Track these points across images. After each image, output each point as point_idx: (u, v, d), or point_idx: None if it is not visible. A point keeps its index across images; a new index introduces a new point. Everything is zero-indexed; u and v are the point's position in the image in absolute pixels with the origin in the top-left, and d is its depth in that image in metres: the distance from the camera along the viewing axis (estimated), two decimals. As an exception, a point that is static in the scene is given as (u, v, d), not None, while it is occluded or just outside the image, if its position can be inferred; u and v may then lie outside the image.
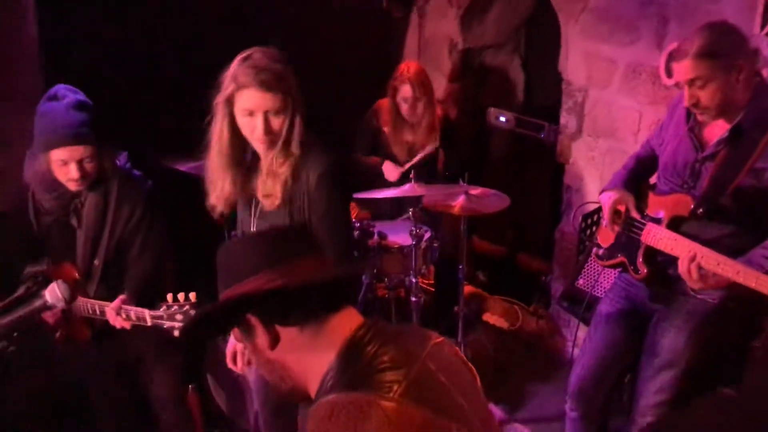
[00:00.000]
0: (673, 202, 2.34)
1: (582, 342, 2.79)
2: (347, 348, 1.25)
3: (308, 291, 1.28)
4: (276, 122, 2.06)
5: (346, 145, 3.85)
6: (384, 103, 3.86)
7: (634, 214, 2.42)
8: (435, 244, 3.60)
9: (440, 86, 4.51)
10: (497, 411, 3.45)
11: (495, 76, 4.75)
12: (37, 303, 1.70)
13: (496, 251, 4.76)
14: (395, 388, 1.17)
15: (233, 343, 2.31)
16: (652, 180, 2.58)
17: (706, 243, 2.17)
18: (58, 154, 2.34)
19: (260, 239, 1.35)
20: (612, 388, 2.67)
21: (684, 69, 2.16)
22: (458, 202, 3.30)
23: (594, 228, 3.32)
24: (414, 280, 3.42)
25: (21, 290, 1.72)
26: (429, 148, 3.76)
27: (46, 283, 1.84)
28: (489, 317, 4.27)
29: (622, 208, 2.45)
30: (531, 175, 4.39)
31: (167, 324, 2.21)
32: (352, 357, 1.24)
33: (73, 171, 2.35)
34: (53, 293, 1.75)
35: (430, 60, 4.57)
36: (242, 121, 2.08)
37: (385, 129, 3.85)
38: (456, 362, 1.35)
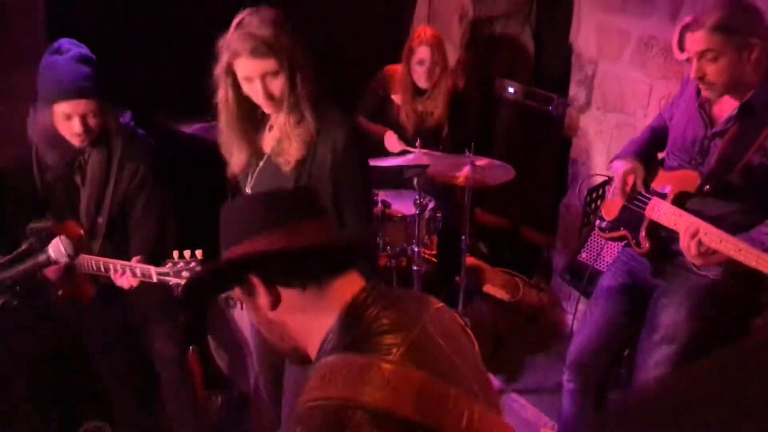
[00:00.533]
0: (680, 178, 2.32)
1: (582, 315, 2.79)
2: (348, 310, 1.25)
3: (311, 254, 1.28)
4: (274, 85, 2.07)
5: (349, 109, 3.81)
6: (394, 69, 3.78)
7: (640, 188, 2.40)
8: (438, 215, 3.59)
9: (449, 55, 4.45)
10: (496, 381, 3.48)
11: (505, 46, 4.69)
12: (41, 258, 1.71)
13: (499, 223, 4.76)
14: (395, 350, 1.17)
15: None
16: (661, 155, 2.56)
17: (710, 220, 2.16)
18: (61, 108, 2.33)
19: (266, 199, 1.35)
20: (611, 361, 2.68)
21: (697, 40, 2.13)
22: (463, 173, 3.28)
23: (599, 202, 3.30)
24: (416, 249, 3.42)
25: (24, 245, 1.73)
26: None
27: (49, 239, 1.85)
28: (490, 288, 4.29)
29: (630, 180, 2.44)
30: (537, 147, 4.36)
31: (173, 281, 2.22)
32: (352, 319, 1.24)
33: (77, 125, 2.34)
34: (56, 249, 1.75)
35: (439, 28, 4.51)
36: (245, 87, 2.11)
37: (394, 97, 3.80)
38: (455, 328, 1.35)
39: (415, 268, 3.44)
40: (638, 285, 2.53)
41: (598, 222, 2.63)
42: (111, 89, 2.43)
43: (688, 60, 2.81)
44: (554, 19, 4.36)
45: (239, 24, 2.06)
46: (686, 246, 2.14)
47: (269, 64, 2.04)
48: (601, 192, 3.33)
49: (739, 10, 2.11)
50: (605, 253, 3.15)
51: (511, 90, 4.34)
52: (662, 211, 2.30)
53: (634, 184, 2.43)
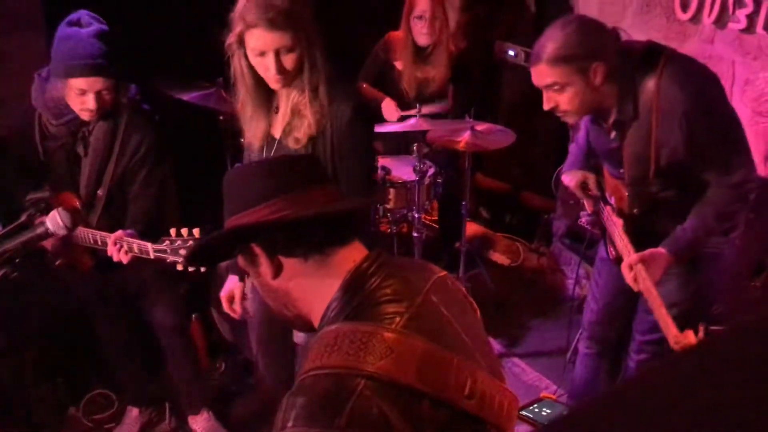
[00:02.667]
0: (616, 189, 2.33)
1: (589, 286, 2.80)
2: (351, 279, 1.25)
3: (313, 224, 1.28)
4: (288, 60, 1.97)
5: (351, 76, 3.77)
6: (396, 35, 3.73)
7: (595, 192, 2.39)
8: (439, 180, 3.58)
9: (450, 19, 4.39)
10: (497, 345, 3.51)
11: (506, 8, 4.62)
12: (39, 230, 1.70)
13: (500, 188, 4.75)
14: (397, 319, 1.18)
15: (230, 287, 2.32)
16: None
17: (649, 234, 2.18)
18: (77, 83, 2.30)
19: (268, 167, 1.33)
20: (626, 325, 2.70)
21: (539, 74, 2.09)
22: (463, 138, 3.26)
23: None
24: (417, 215, 3.42)
25: (23, 217, 1.72)
26: (441, 104, 3.67)
27: (47, 211, 1.84)
28: (491, 254, 4.29)
29: (590, 184, 2.42)
30: (538, 111, 4.32)
31: (170, 258, 2.21)
32: (355, 288, 1.24)
33: (90, 102, 2.32)
34: (54, 221, 1.75)
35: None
36: (255, 61, 2.00)
37: (396, 64, 3.76)
38: (458, 296, 1.35)
39: (415, 234, 3.44)
40: None
41: (585, 217, 2.65)
42: (127, 63, 2.40)
43: (692, 20, 2.76)
44: (555, -20, 4.29)
45: None
46: (624, 273, 2.16)
47: (286, 37, 1.94)
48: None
49: (574, 37, 2.04)
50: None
51: (511, 53, 4.29)
52: (612, 225, 2.30)
53: (584, 187, 2.43)
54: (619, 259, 2.32)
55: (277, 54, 1.96)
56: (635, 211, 2.25)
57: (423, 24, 3.57)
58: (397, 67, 3.76)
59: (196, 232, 2.21)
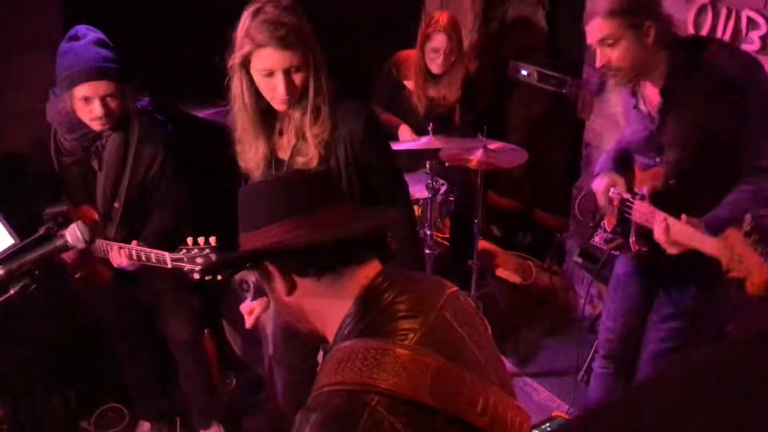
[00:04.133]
0: (651, 177, 2.32)
1: (604, 304, 2.79)
2: (365, 295, 1.26)
3: (327, 246, 1.27)
4: (297, 79, 1.94)
5: (364, 97, 3.80)
6: (407, 55, 3.76)
7: (626, 195, 2.39)
8: (451, 198, 3.59)
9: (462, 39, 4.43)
10: (508, 364, 3.49)
11: (518, 28, 4.65)
12: (58, 243, 1.73)
13: (512, 206, 4.75)
14: (411, 336, 1.18)
15: (249, 303, 2.33)
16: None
17: (685, 209, 2.14)
18: (81, 91, 2.33)
19: (284, 186, 1.32)
20: (639, 341, 2.70)
21: (594, 28, 2.14)
22: (476, 156, 3.28)
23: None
24: (429, 232, 3.42)
25: (41, 230, 1.74)
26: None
27: (66, 224, 1.86)
28: (502, 272, 4.29)
29: (613, 194, 2.42)
30: (551, 130, 4.34)
31: (188, 266, 2.23)
32: (369, 304, 1.24)
33: (97, 108, 2.35)
34: (74, 234, 1.77)
35: (452, 9, 4.48)
36: (261, 81, 1.95)
37: (407, 83, 3.79)
38: (470, 312, 1.35)
39: (427, 251, 3.45)
40: (652, 269, 2.51)
41: (602, 234, 2.64)
42: (129, 69, 2.43)
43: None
44: (568, 1, 4.32)
45: (258, 11, 1.90)
46: (657, 237, 2.15)
47: (296, 56, 1.90)
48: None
49: None
50: (619, 237, 3.14)
51: (524, 72, 4.31)
52: (642, 213, 2.30)
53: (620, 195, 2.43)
54: (639, 252, 2.32)
55: (287, 73, 1.92)
56: (671, 182, 2.24)
57: (438, 56, 3.60)
58: (407, 86, 3.78)
59: (212, 240, 2.23)
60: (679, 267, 2.34)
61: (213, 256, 2.22)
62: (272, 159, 2.10)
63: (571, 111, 3.95)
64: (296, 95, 1.97)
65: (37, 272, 1.66)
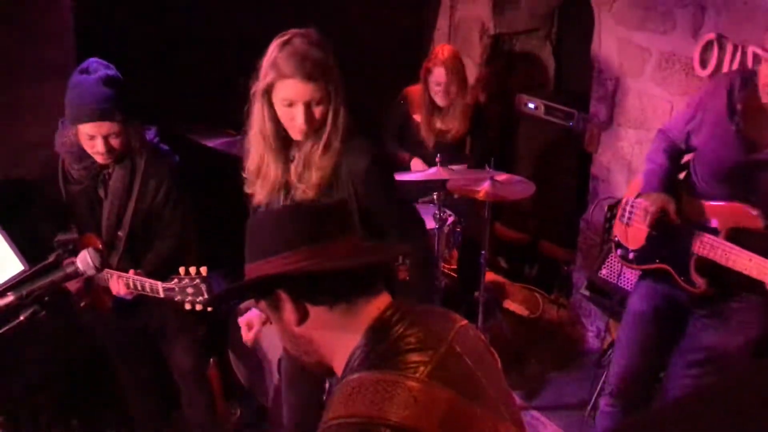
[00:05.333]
0: (729, 211, 2.17)
1: (617, 340, 2.71)
2: (375, 327, 1.25)
3: (343, 274, 1.27)
4: (317, 112, 1.97)
5: (375, 131, 3.84)
6: (414, 89, 3.84)
7: (675, 219, 2.27)
8: (458, 229, 3.59)
9: (469, 71, 4.47)
10: (515, 397, 3.45)
11: (525, 61, 4.70)
12: (69, 270, 1.74)
13: (519, 238, 4.75)
14: (421, 369, 1.17)
15: (249, 316, 2.29)
16: (681, 174, 2.46)
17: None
18: (85, 129, 2.37)
19: (298, 214, 1.33)
20: (651, 383, 2.64)
21: None
22: (483, 188, 3.28)
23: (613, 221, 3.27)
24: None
25: (51, 257, 1.76)
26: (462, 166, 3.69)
27: (75, 251, 1.88)
28: (509, 304, 4.27)
29: (667, 215, 2.30)
30: (558, 162, 4.36)
31: (178, 297, 2.24)
32: (379, 337, 1.24)
33: (99, 145, 2.38)
34: (84, 261, 1.78)
35: (460, 44, 4.54)
36: (281, 110, 1.99)
37: (415, 116, 3.84)
38: (480, 346, 1.34)
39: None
40: (673, 307, 2.42)
41: (620, 251, 2.55)
42: (136, 106, 2.45)
43: (710, 76, 2.75)
44: (575, 36, 4.37)
45: (286, 43, 1.94)
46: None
47: (318, 90, 1.93)
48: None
49: None
50: (627, 270, 3.12)
51: (531, 105, 4.34)
52: (718, 249, 2.15)
53: (663, 215, 2.29)
54: (706, 293, 2.19)
55: (308, 105, 1.95)
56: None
57: (439, 89, 3.68)
58: (415, 119, 3.83)
59: (203, 270, 2.23)
60: (739, 316, 2.25)
61: (203, 287, 2.22)
62: (283, 183, 2.11)
63: (577, 144, 3.97)
64: (314, 127, 2.00)
65: (46, 299, 1.66)
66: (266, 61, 1.97)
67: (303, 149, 2.05)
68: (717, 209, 2.23)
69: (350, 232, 1.35)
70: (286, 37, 1.96)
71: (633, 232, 2.48)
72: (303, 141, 2.04)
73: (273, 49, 1.96)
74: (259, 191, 2.13)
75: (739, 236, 2.15)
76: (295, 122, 1.98)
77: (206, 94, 3.53)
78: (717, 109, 2.22)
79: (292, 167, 2.10)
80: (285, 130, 2.05)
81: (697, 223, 2.25)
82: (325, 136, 2.00)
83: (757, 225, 2.11)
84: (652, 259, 2.42)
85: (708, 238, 2.21)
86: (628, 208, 2.54)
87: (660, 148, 2.45)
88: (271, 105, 2.00)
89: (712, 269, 2.21)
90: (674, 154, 2.43)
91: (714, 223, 2.20)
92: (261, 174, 2.11)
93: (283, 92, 1.95)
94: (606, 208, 3.31)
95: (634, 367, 2.55)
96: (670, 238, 2.32)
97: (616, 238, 2.57)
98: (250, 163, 2.12)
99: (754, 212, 2.13)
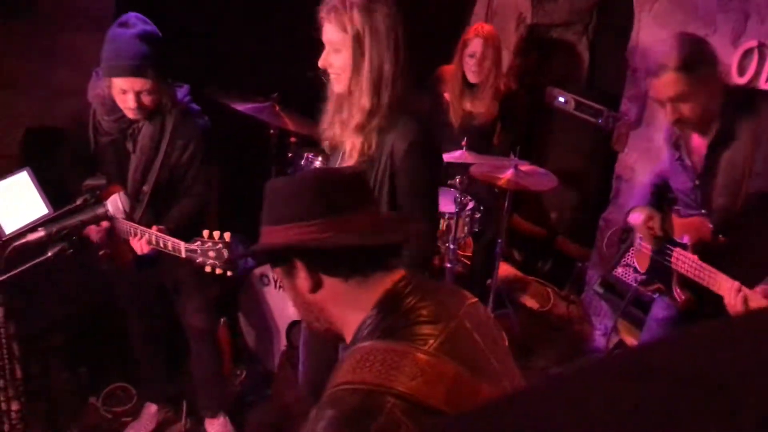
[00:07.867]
0: (694, 226, 2.28)
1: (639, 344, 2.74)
2: (386, 298, 1.26)
3: (357, 250, 1.28)
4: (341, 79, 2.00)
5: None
6: (448, 68, 3.81)
7: (659, 233, 2.37)
8: (477, 215, 3.59)
9: (503, 59, 4.45)
10: (521, 376, 3.47)
11: (559, 55, 4.66)
12: (99, 211, 1.77)
13: (536, 231, 4.74)
14: (431, 341, 1.18)
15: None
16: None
17: (734, 265, 2.11)
18: (118, 83, 2.39)
19: (318, 183, 1.32)
20: None
21: (666, 83, 2.09)
22: (506, 175, 3.28)
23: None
24: (453, 246, 3.42)
25: (79, 200, 1.79)
26: None
27: (100, 199, 1.90)
28: (520, 296, 4.27)
29: (654, 226, 2.40)
30: (583, 159, 4.34)
31: (200, 259, 2.26)
32: (390, 307, 1.25)
33: (131, 101, 2.40)
34: (115, 204, 1.81)
35: (496, 29, 4.50)
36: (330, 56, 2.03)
37: (445, 95, 3.82)
38: (489, 324, 1.35)
39: (448, 265, 3.44)
40: (689, 318, 2.43)
41: (635, 276, 2.61)
42: (170, 65, 2.47)
43: (748, 84, 2.73)
44: (612, 33, 4.32)
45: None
46: (732, 307, 2.07)
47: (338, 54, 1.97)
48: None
49: (695, 45, 2.10)
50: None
51: (561, 99, 4.31)
52: (687, 264, 2.24)
53: (649, 228, 2.41)
54: (687, 303, 2.27)
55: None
56: (720, 238, 2.20)
57: (474, 62, 3.65)
58: (445, 98, 3.82)
59: (227, 236, 2.25)
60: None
61: (225, 252, 2.23)
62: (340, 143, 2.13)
63: (604, 142, 3.95)
64: (366, 82, 1.99)
65: (74, 238, 1.70)
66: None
67: (356, 106, 2.04)
68: (686, 224, 2.33)
69: (368, 204, 1.35)
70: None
71: (640, 254, 2.55)
72: (360, 99, 2.03)
73: None
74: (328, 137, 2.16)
75: (702, 249, 2.23)
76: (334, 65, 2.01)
77: (242, 59, 3.54)
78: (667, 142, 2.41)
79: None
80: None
81: (675, 240, 2.35)
82: (380, 97, 1.99)
83: (712, 238, 2.22)
84: (653, 281, 2.50)
85: (678, 252, 2.30)
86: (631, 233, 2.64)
87: (657, 171, 2.59)
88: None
89: (695, 283, 2.27)
90: (661, 175, 2.54)
91: (685, 239, 2.30)
92: (334, 118, 2.13)
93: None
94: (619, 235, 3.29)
95: None
96: (662, 257, 2.39)
97: (635, 263, 2.61)
98: (328, 107, 2.15)
99: (708, 224, 2.23)
